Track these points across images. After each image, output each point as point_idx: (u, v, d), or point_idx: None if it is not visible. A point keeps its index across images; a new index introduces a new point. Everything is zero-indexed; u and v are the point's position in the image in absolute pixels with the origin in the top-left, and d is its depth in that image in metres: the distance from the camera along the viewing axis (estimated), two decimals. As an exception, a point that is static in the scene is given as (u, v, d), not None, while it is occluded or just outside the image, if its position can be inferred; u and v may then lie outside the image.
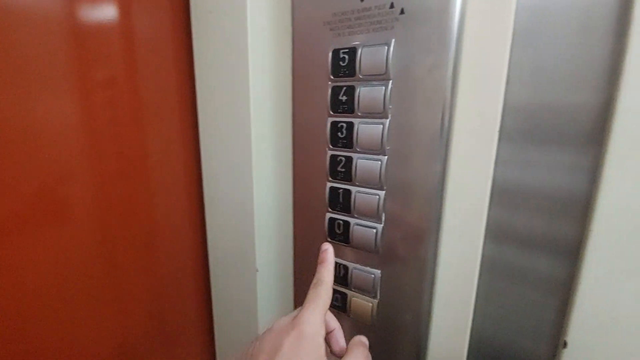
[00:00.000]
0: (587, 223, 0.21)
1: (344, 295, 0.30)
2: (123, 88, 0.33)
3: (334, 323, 0.26)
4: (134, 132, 0.34)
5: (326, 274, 0.24)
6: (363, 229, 0.27)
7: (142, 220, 0.36)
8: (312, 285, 0.24)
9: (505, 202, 0.24)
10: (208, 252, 0.41)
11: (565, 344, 0.23)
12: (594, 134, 0.20)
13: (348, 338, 0.31)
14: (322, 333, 0.22)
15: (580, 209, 0.22)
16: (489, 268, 0.25)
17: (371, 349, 0.29)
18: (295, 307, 0.35)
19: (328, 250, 0.25)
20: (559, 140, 0.22)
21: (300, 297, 0.34)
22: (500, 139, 0.22)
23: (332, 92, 0.26)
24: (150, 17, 0.34)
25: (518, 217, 0.24)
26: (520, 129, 0.23)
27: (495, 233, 0.25)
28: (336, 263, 0.29)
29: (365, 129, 0.25)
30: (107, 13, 0.31)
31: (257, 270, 0.36)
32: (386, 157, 0.25)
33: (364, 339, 0.24)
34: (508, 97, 0.22)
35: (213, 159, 0.37)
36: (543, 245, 0.24)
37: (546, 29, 0.21)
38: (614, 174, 0.20)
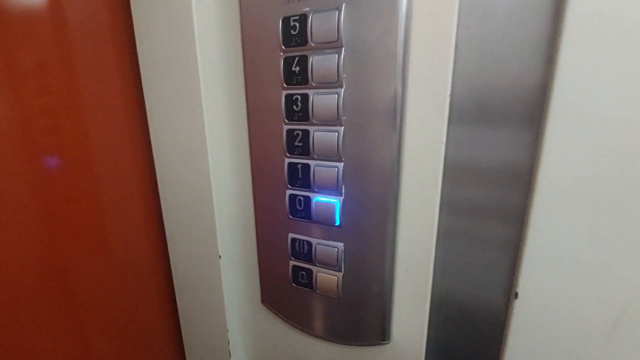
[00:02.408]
0: (530, 191, 0.22)
1: (310, 272, 0.30)
2: (57, 75, 0.30)
3: None
4: (73, 123, 0.31)
5: None
6: (324, 203, 0.27)
7: (92, 216, 0.34)
8: None
9: (458, 175, 0.25)
10: (167, 243, 0.39)
11: (516, 295, 0.24)
12: (535, 112, 0.21)
13: (317, 313, 0.31)
14: None
15: (524, 179, 0.23)
16: (446, 235, 0.26)
17: (339, 320, 0.30)
18: (262, 292, 0.34)
19: None
20: (505, 120, 0.23)
21: (266, 282, 0.34)
22: (452, 121, 0.23)
23: (284, 63, 0.25)
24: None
25: (471, 188, 0.25)
26: (470, 110, 0.23)
27: (451, 203, 0.26)
28: (300, 240, 0.29)
29: (321, 100, 0.25)
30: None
31: (219, 257, 0.34)
32: (343, 127, 0.25)
33: None
34: (457, 81, 0.22)
35: (164, 145, 0.34)
36: (495, 212, 0.25)
37: (489, 8, 0.21)
38: (551, 148, 0.21)
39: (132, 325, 0.39)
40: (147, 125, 0.35)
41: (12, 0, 0.26)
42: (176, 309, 0.41)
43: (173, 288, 0.40)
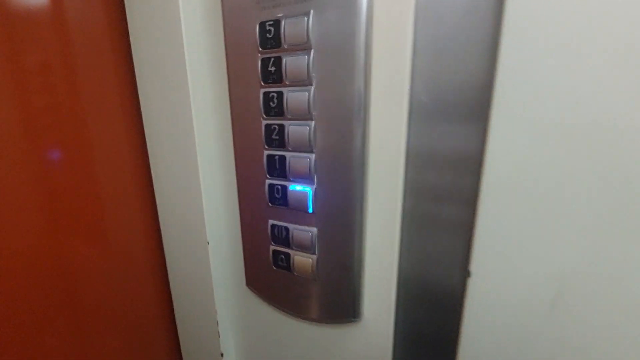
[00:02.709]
0: (480, 176, 0.25)
1: (288, 255, 0.32)
2: (58, 74, 0.33)
3: None
4: (73, 119, 0.34)
5: None
6: (298, 191, 0.29)
7: (90, 207, 0.37)
8: None
9: (419, 164, 0.27)
10: (161, 231, 0.42)
11: (469, 274, 0.26)
12: (483, 107, 0.24)
13: (295, 294, 0.34)
14: None
15: (476, 166, 0.25)
16: (410, 219, 0.29)
17: (315, 300, 0.32)
18: (247, 275, 0.37)
19: None
20: (458, 114, 0.25)
21: (249, 265, 0.36)
22: (412, 116, 0.26)
23: (261, 64, 0.28)
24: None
25: (430, 175, 0.27)
26: (428, 106, 0.26)
27: (414, 190, 0.28)
28: (279, 226, 0.32)
29: (294, 97, 0.27)
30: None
31: (208, 243, 0.37)
32: (313, 122, 0.27)
33: None
34: (416, 80, 0.25)
35: (157, 140, 0.37)
36: (452, 197, 0.27)
37: (441, 10, 0.24)
38: (496, 139, 0.24)
39: (129, 310, 0.42)
40: (142, 121, 0.38)
41: (17, 4, 0.29)
42: (170, 293, 0.44)
43: (167, 274, 0.43)
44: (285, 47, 0.26)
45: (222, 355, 0.41)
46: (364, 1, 0.23)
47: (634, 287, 0.22)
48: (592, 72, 0.20)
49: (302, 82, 0.27)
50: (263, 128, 0.30)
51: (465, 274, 0.27)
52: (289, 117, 0.28)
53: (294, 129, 0.28)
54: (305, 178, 0.29)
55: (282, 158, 0.29)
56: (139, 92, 0.37)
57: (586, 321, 0.24)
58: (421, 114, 0.26)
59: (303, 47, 0.26)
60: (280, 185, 0.30)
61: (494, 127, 0.24)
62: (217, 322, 0.40)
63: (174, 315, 0.45)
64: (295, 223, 0.31)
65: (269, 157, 0.30)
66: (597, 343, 0.24)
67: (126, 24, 0.35)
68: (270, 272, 0.34)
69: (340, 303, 0.31)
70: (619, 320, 0.23)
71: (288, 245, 0.32)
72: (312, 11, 0.25)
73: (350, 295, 0.31)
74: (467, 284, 0.27)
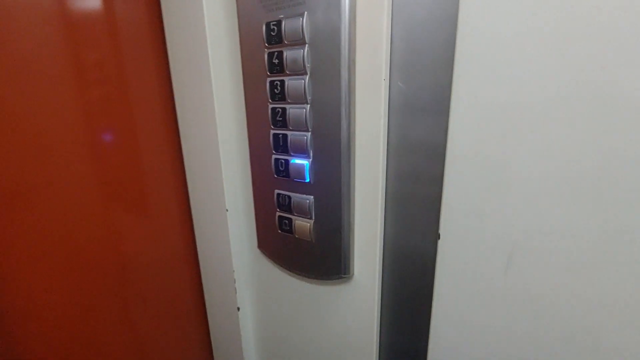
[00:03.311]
0: (445, 160, 0.29)
1: (290, 220, 0.38)
2: (110, 70, 0.40)
3: None
4: (122, 107, 0.42)
5: None
6: (298, 164, 0.35)
7: (135, 182, 0.45)
8: None
9: (400, 150, 0.32)
10: (190, 201, 0.49)
11: (439, 236, 0.31)
12: (444, 104, 0.28)
13: (297, 254, 0.39)
14: None
15: (441, 152, 0.29)
16: (391, 193, 0.33)
17: (313, 259, 0.38)
18: (258, 238, 0.43)
19: None
20: (426, 109, 0.29)
21: (260, 230, 0.43)
22: (392, 112, 0.30)
23: (267, 57, 0.34)
24: (127, 5, 0.40)
25: (407, 157, 0.32)
26: (403, 104, 0.30)
27: (394, 169, 0.33)
28: (283, 194, 0.38)
29: (293, 84, 0.33)
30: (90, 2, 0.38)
31: (227, 210, 0.44)
32: (309, 105, 0.33)
33: None
34: (395, 74, 0.29)
35: (188, 124, 0.44)
36: (424, 175, 0.31)
37: (412, 10, 0.28)
38: (455, 128, 0.28)
39: (164, 271, 0.50)
40: (175, 108, 0.45)
41: (78, 12, 0.37)
42: (197, 255, 0.52)
43: (194, 240, 0.51)
44: (286, 42, 0.32)
45: (238, 309, 0.48)
46: (347, 4, 0.28)
47: (573, 246, 0.26)
48: (530, 61, 0.24)
49: (299, 72, 0.32)
50: (269, 111, 0.35)
51: (436, 236, 0.31)
52: (290, 101, 0.34)
53: (294, 112, 0.33)
54: (303, 153, 0.34)
55: (285, 136, 0.35)
56: (173, 82, 0.44)
57: (535, 274, 0.28)
58: (400, 103, 0.31)
59: (299, 42, 0.31)
60: (284, 159, 0.36)
61: (453, 113, 0.28)
62: (235, 280, 0.47)
63: (200, 274, 0.53)
64: (296, 192, 0.37)
65: (275, 135, 0.36)
66: (545, 293, 0.28)
67: (163, 28, 0.42)
68: (276, 235, 0.40)
69: (333, 262, 0.37)
70: (561, 274, 0.26)
71: (290, 211, 0.38)
72: (305, 12, 0.30)
73: (342, 255, 0.36)
74: (437, 245, 0.31)
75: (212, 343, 0.57)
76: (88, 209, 0.40)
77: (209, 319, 0.55)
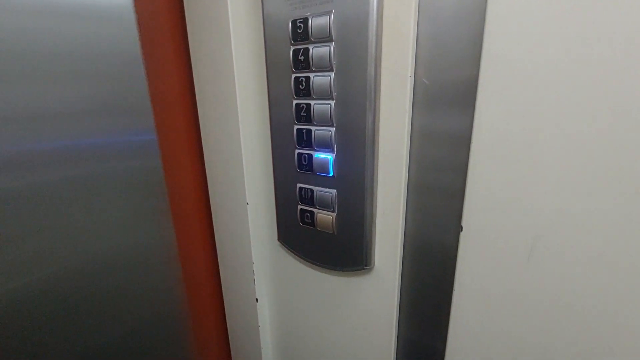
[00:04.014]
0: (470, 151, 0.30)
1: (312, 213, 0.39)
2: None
3: None
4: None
5: None
6: (322, 159, 0.36)
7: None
8: None
9: (422, 145, 0.33)
10: (209, 195, 0.50)
11: (461, 228, 0.32)
12: (470, 99, 0.29)
13: (318, 246, 0.40)
14: None
15: (466, 146, 0.30)
16: (415, 185, 0.34)
17: (335, 251, 0.39)
18: (278, 232, 0.45)
19: None
20: (451, 104, 0.30)
21: (281, 223, 0.44)
22: (416, 106, 0.31)
23: (293, 54, 0.34)
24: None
25: (431, 150, 0.33)
26: (427, 99, 0.31)
27: (416, 160, 0.34)
28: (305, 188, 0.39)
29: (318, 81, 0.33)
30: None
31: (247, 204, 0.45)
32: (334, 101, 0.33)
33: None
34: (420, 69, 0.30)
35: (209, 119, 0.45)
36: (446, 169, 0.32)
37: (439, 8, 0.29)
38: (481, 122, 0.28)
39: (186, 262, 0.51)
40: (197, 106, 0.46)
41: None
42: (215, 248, 0.53)
43: (213, 232, 0.52)
44: (312, 39, 0.33)
45: (257, 300, 0.50)
46: (375, 2, 0.29)
47: (595, 239, 0.27)
48: (558, 59, 0.25)
49: (325, 69, 0.33)
50: (294, 107, 0.36)
51: (458, 228, 0.32)
52: (315, 97, 0.34)
53: (318, 107, 0.34)
54: (327, 147, 0.35)
55: (309, 131, 0.36)
56: (194, 77, 0.44)
57: (557, 266, 0.29)
58: (423, 97, 0.31)
59: (326, 40, 0.32)
60: (307, 154, 0.37)
61: (479, 108, 0.29)
62: (254, 272, 0.48)
63: (218, 266, 0.54)
64: (319, 186, 0.38)
65: (298, 130, 0.37)
66: (565, 285, 0.29)
67: (185, 23, 0.43)
68: (297, 228, 0.41)
69: (355, 253, 0.38)
70: (584, 266, 0.27)
71: (312, 204, 0.39)
72: (333, 10, 0.31)
73: (364, 247, 0.37)
74: (460, 236, 0.32)
75: (230, 334, 0.58)
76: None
77: (226, 311, 0.56)
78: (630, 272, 0.26)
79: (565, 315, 0.29)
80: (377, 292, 0.39)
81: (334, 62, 0.32)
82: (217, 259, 0.53)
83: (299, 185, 0.39)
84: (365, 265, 0.38)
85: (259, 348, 0.53)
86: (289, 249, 0.44)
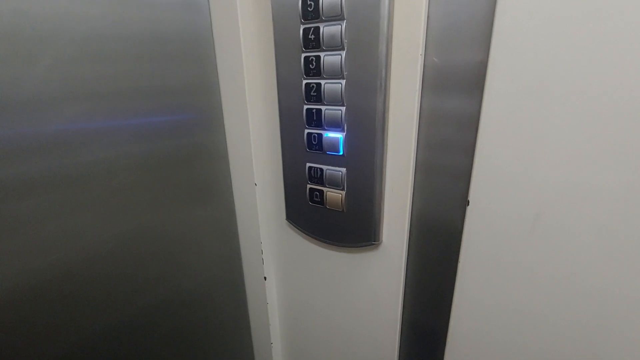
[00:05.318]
0: (477, 132, 0.31)
1: (321, 192, 0.40)
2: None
3: None
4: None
5: None
6: (332, 137, 0.37)
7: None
8: None
9: (430, 123, 0.34)
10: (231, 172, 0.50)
11: (468, 202, 0.33)
12: (480, 77, 0.30)
13: (328, 224, 0.42)
14: None
15: (474, 124, 0.31)
16: (422, 164, 0.35)
17: (344, 228, 0.40)
18: (287, 210, 0.45)
19: None
20: (460, 82, 0.31)
21: (289, 202, 0.45)
22: (426, 90, 0.32)
23: (303, 33, 0.34)
24: None
25: (439, 131, 0.34)
26: (436, 84, 0.32)
27: (425, 140, 0.34)
28: (315, 167, 0.39)
29: (329, 60, 0.34)
30: None
31: (255, 185, 0.46)
32: (345, 80, 0.34)
33: None
34: (430, 50, 0.31)
35: (230, 109, 0.45)
36: (455, 147, 0.33)
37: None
38: (490, 98, 0.29)
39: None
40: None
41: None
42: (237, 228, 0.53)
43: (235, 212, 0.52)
44: (323, 17, 0.33)
45: (265, 278, 0.51)
46: (387, -21, 0.29)
47: (597, 210, 0.28)
48: (571, 36, 0.25)
49: (336, 47, 0.33)
50: (303, 86, 0.36)
51: (464, 206, 0.34)
52: (325, 76, 0.35)
53: (329, 86, 0.35)
54: (337, 127, 0.36)
55: (319, 111, 0.36)
56: (219, 75, 0.44)
57: (560, 238, 0.30)
58: (433, 76, 0.32)
59: (338, 18, 0.32)
60: (317, 133, 0.38)
61: (488, 89, 0.29)
62: (262, 251, 0.49)
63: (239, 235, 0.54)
64: (329, 164, 0.38)
65: (308, 110, 0.37)
66: (568, 256, 0.30)
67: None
68: (306, 207, 0.42)
69: (363, 230, 0.39)
70: (586, 237, 0.29)
71: (322, 183, 0.39)
72: (345, -12, 0.31)
73: (372, 223, 0.38)
74: (466, 210, 0.34)
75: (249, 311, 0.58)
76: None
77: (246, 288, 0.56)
78: (634, 244, 0.27)
79: (570, 288, 0.31)
80: (384, 268, 0.40)
81: (345, 40, 0.32)
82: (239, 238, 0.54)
83: (308, 164, 0.40)
84: (374, 241, 0.39)
85: (267, 325, 0.54)
86: (297, 228, 0.45)
